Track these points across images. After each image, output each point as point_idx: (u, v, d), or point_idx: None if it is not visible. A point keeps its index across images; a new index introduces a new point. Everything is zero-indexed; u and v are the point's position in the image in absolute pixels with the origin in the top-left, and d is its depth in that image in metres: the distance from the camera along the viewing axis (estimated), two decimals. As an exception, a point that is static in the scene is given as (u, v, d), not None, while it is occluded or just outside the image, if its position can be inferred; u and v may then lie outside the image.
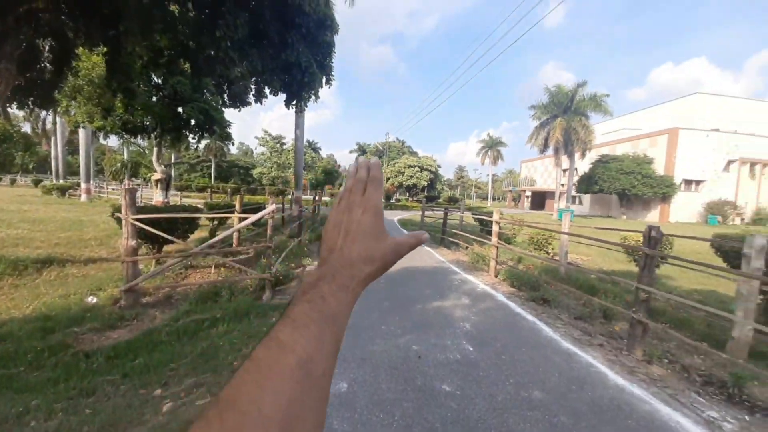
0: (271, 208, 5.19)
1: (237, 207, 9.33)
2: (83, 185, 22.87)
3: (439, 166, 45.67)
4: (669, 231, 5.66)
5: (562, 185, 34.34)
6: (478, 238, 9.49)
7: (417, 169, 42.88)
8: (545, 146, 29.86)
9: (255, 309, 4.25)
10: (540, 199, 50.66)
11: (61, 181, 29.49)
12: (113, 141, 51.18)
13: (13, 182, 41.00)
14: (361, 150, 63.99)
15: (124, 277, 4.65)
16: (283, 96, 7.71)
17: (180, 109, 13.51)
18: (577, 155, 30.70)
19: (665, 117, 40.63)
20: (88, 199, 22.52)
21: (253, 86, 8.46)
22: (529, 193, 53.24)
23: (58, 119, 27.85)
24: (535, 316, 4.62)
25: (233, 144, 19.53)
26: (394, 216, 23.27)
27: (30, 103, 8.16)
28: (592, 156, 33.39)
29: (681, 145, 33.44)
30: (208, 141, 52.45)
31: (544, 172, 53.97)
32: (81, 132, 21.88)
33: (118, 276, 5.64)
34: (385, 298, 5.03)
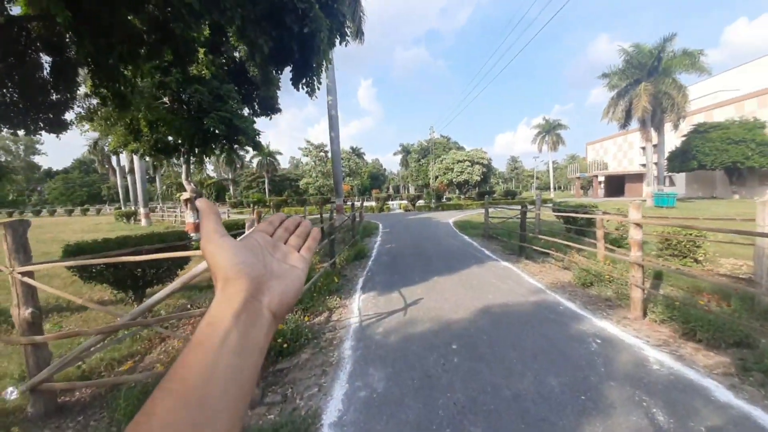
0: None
1: (255, 223, 7.57)
2: (142, 210, 23.69)
3: (490, 159, 41.35)
4: None
5: (643, 166, 28.33)
6: (580, 246, 6.53)
7: (467, 163, 39.19)
8: (627, 119, 24.68)
9: None
10: (617, 184, 43.62)
11: (132, 208, 31.57)
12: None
13: (98, 212, 45.83)
14: (405, 150, 61.66)
15: (27, 368, 2.82)
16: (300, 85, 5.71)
17: (205, 121, 12.47)
18: (667, 126, 24.91)
19: (763, 73, 32.09)
20: (147, 223, 23.22)
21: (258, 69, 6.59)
22: (602, 179, 46.24)
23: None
24: None
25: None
26: (449, 218, 20.31)
27: (39, 127, 7.26)
28: (681, 127, 26.98)
29: (804, 102, 25.72)
30: (260, 158, 54.16)
31: (618, 153, 46.51)
32: (135, 159, 22.70)
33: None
34: (464, 397, 2.57)
